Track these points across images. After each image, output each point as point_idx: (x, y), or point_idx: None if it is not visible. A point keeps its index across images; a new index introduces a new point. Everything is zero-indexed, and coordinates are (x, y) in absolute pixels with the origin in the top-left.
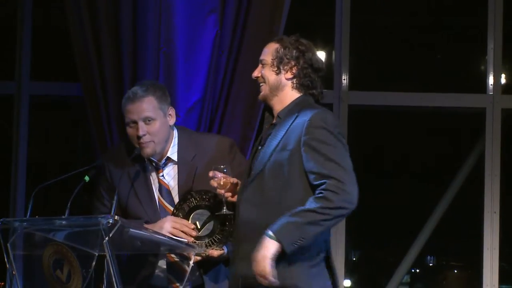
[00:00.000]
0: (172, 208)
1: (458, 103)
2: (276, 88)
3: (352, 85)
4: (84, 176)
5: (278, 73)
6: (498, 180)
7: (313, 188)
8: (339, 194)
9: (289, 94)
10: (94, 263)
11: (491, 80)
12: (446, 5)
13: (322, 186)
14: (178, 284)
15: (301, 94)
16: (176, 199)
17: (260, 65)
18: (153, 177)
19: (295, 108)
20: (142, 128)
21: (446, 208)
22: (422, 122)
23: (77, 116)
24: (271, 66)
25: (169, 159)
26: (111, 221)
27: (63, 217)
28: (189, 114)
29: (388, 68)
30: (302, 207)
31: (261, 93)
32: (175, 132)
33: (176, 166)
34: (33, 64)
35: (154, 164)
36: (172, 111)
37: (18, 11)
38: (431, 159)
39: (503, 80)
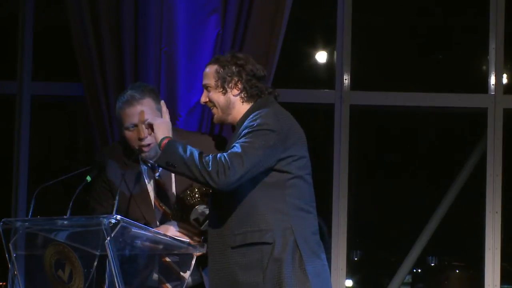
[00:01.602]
0: (167, 209)
1: (460, 103)
2: (227, 107)
3: (354, 85)
4: (86, 176)
5: (224, 93)
6: (499, 180)
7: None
8: (224, 177)
9: (242, 108)
10: (95, 263)
11: (493, 80)
12: (448, 5)
13: (219, 155)
14: (179, 284)
15: (252, 103)
16: (172, 199)
17: (205, 90)
18: (149, 177)
19: (248, 113)
20: (144, 130)
21: (448, 208)
22: (424, 122)
23: (78, 116)
24: (215, 88)
25: None
26: (113, 221)
27: (65, 217)
28: (191, 114)
29: (389, 68)
30: (199, 158)
31: (215, 116)
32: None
33: None
34: (35, 64)
35: (149, 164)
36: (164, 107)
37: (20, 11)
38: (433, 159)
39: (505, 80)
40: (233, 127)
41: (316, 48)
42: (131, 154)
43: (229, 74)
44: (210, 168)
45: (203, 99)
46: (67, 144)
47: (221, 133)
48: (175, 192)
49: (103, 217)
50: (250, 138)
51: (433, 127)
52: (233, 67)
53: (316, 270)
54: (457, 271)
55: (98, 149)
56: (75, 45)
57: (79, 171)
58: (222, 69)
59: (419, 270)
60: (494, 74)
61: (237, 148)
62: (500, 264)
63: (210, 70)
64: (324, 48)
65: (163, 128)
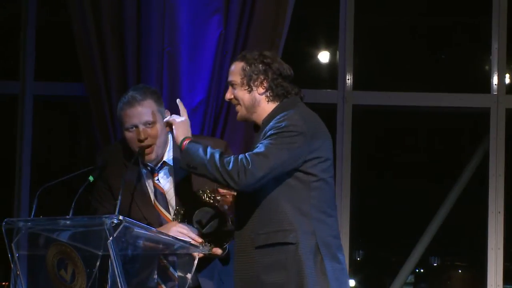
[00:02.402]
0: (166, 212)
1: (462, 103)
2: (252, 106)
3: (356, 85)
4: (88, 176)
5: (250, 91)
6: (502, 180)
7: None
8: (244, 177)
9: (268, 107)
10: (98, 263)
11: (495, 80)
12: (451, 5)
13: (241, 156)
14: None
15: (278, 102)
16: (172, 203)
17: (230, 87)
18: (148, 181)
19: (275, 113)
20: (144, 132)
21: (450, 208)
22: (427, 122)
23: (80, 116)
24: (241, 85)
25: (164, 163)
26: (115, 221)
27: (67, 217)
28: (193, 115)
29: (392, 68)
30: (220, 159)
31: (238, 114)
32: (170, 136)
33: (172, 169)
34: (37, 64)
35: (149, 168)
36: (168, 114)
37: (23, 11)
38: (435, 159)
39: (507, 80)
40: (256, 127)
41: (318, 48)
42: (131, 155)
43: (255, 72)
44: (230, 168)
45: (228, 95)
46: (70, 144)
47: (223, 135)
48: (174, 196)
49: (106, 217)
50: (275, 140)
51: (435, 127)
52: (260, 65)
53: (336, 274)
54: (460, 271)
55: (100, 149)
56: (77, 45)
57: (82, 171)
58: (248, 67)
59: (422, 270)
60: (497, 74)
61: (260, 148)
62: (502, 264)
63: (236, 67)
64: (326, 48)
65: (182, 128)
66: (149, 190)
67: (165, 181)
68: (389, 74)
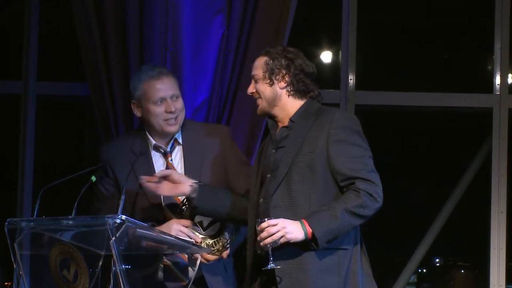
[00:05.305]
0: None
1: (465, 103)
2: (274, 99)
3: (359, 85)
4: (91, 176)
5: (271, 84)
6: (505, 179)
7: (341, 188)
8: (375, 198)
9: (289, 102)
10: (101, 263)
11: (498, 80)
12: (453, 5)
13: (353, 186)
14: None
15: (299, 99)
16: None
17: (252, 81)
18: (161, 163)
19: (308, 111)
20: (173, 104)
21: (453, 208)
22: (429, 122)
23: (83, 116)
24: (263, 79)
25: (176, 141)
26: (118, 221)
27: (70, 217)
28: (196, 114)
29: (395, 68)
30: (343, 205)
31: (259, 107)
32: None
33: (182, 148)
34: (40, 64)
35: (162, 150)
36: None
37: (25, 12)
38: (438, 159)
39: (510, 80)
40: (272, 121)
41: (321, 48)
42: (139, 144)
43: (277, 66)
44: (369, 202)
45: (250, 89)
46: (72, 144)
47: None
48: (185, 174)
49: (108, 217)
50: (359, 147)
51: (438, 127)
52: (283, 60)
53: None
54: (462, 271)
55: (103, 145)
56: (80, 45)
57: (84, 171)
58: (271, 61)
59: (424, 270)
60: (499, 74)
61: (366, 163)
62: (505, 264)
63: (260, 61)
64: (329, 48)
65: (292, 226)
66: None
67: (177, 162)
68: (391, 74)
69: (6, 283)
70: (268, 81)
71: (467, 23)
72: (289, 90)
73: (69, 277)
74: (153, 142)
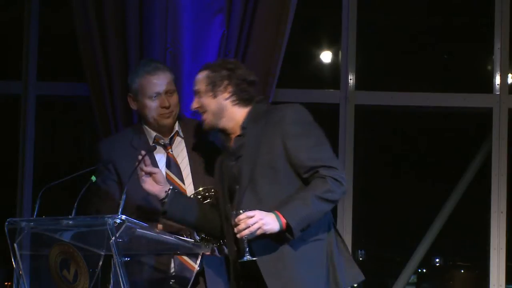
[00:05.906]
0: (179, 181)
1: (464, 103)
2: (219, 111)
3: (359, 85)
4: (91, 176)
5: (215, 96)
6: (505, 179)
7: (304, 180)
8: (340, 182)
9: (235, 111)
10: (100, 263)
11: (497, 80)
12: (453, 5)
13: (317, 174)
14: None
15: (245, 107)
16: (185, 173)
17: (196, 97)
18: (161, 155)
19: (257, 115)
20: (168, 99)
21: (453, 207)
22: (429, 122)
23: (83, 116)
24: (206, 92)
25: (176, 133)
26: (118, 221)
27: (70, 217)
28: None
29: (394, 68)
30: (312, 192)
31: (205, 122)
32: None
33: (183, 140)
34: (40, 64)
35: (162, 143)
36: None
37: (25, 12)
38: (438, 159)
39: (510, 80)
40: (223, 134)
41: (321, 48)
42: (138, 139)
43: (219, 78)
44: (334, 188)
45: (194, 105)
46: (72, 144)
47: None
48: (188, 165)
49: (108, 217)
50: (315, 136)
51: (437, 127)
52: (223, 71)
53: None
54: (462, 271)
55: (101, 141)
56: (80, 45)
57: (84, 171)
58: (212, 73)
59: (424, 270)
60: (499, 74)
61: (321, 150)
62: (505, 264)
63: (201, 75)
64: (329, 48)
65: (269, 218)
66: (161, 165)
67: (177, 152)
68: (391, 74)
69: (6, 283)
70: (211, 93)
71: (467, 23)
72: (233, 100)
73: (69, 277)
74: (153, 134)
